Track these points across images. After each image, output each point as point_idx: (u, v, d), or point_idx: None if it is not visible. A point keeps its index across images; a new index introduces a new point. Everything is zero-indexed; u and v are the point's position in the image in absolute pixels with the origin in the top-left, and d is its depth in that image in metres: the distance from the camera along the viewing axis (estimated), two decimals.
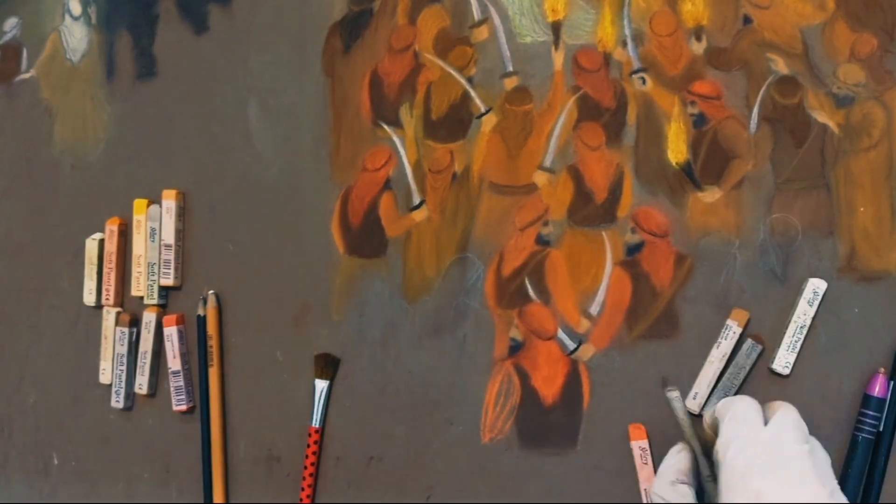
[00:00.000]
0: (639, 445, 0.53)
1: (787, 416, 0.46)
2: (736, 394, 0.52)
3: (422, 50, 0.60)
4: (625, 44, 0.56)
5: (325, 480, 0.59)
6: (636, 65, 0.55)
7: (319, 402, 0.59)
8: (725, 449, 0.45)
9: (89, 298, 0.65)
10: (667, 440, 0.52)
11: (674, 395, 0.51)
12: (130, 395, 0.64)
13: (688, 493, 0.48)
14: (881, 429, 0.49)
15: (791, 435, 0.45)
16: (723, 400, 0.49)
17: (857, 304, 0.51)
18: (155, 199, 0.64)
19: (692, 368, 0.53)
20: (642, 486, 0.52)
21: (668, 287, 0.54)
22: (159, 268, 0.63)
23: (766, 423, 0.46)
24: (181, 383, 0.62)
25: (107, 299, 0.64)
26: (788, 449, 0.44)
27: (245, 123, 0.63)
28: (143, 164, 0.65)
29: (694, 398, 0.52)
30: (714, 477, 0.48)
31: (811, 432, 0.51)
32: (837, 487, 0.46)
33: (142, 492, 0.64)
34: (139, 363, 0.63)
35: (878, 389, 0.49)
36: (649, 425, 0.53)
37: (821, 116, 0.52)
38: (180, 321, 0.63)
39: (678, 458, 0.49)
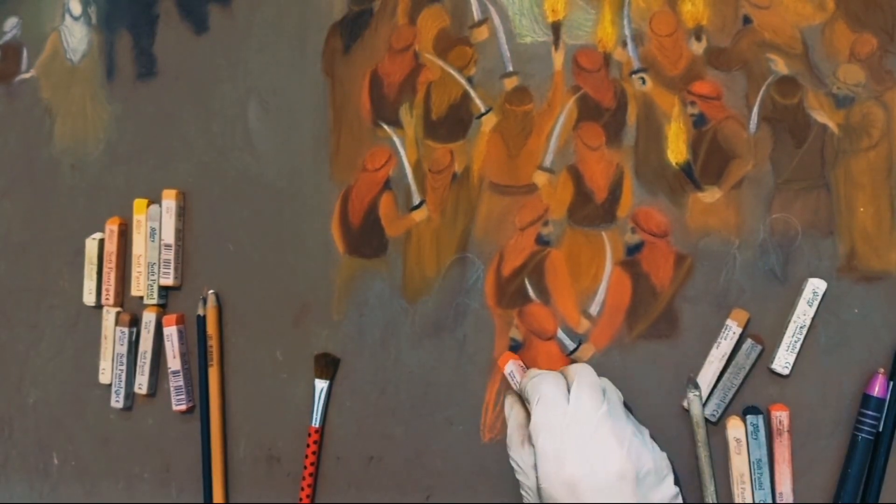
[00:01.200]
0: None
1: (581, 383, 0.49)
2: (736, 394, 0.52)
3: (422, 50, 0.60)
4: (625, 44, 0.56)
5: (325, 480, 0.59)
6: (636, 65, 0.55)
7: (319, 402, 0.59)
8: (536, 434, 0.48)
9: (89, 298, 0.65)
10: (667, 440, 0.52)
11: (695, 395, 0.51)
12: (130, 395, 0.64)
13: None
14: (881, 429, 0.50)
15: (588, 403, 0.48)
16: (531, 380, 0.50)
17: (856, 304, 0.51)
18: (155, 199, 0.64)
19: (692, 368, 0.53)
20: None
21: (668, 287, 0.54)
22: (159, 268, 0.63)
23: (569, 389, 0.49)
24: (181, 383, 0.62)
25: (107, 299, 0.64)
26: (588, 422, 0.47)
27: (245, 123, 0.63)
28: (143, 164, 0.65)
29: None
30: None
31: (811, 433, 0.51)
32: (635, 430, 0.48)
33: (142, 492, 0.64)
34: (139, 363, 0.63)
35: (877, 389, 0.49)
36: (649, 425, 0.53)
37: (821, 116, 0.52)
38: (180, 321, 0.63)
39: (515, 414, 0.52)
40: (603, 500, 0.45)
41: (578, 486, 0.45)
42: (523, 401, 0.52)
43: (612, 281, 0.55)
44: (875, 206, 0.51)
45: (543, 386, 0.49)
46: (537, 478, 0.48)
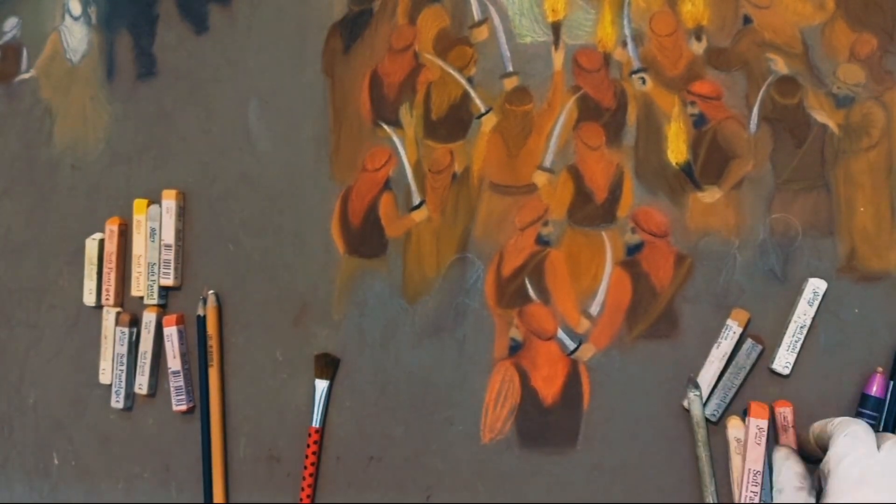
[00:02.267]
0: (756, 424, 0.51)
1: None
2: (736, 394, 0.52)
3: (422, 50, 0.60)
4: (625, 44, 0.56)
5: (325, 480, 0.59)
6: (636, 65, 0.55)
7: (319, 402, 0.59)
8: (838, 461, 0.45)
9: (89, 298, 0.65)
10: (667, 440, 0.52)
11: (696, 395, 0.51)
12: (130, 395, 0.64)
13: (812, 496, 0.48)
14: (880, 428, 0.50)
15: None
16: (840, 418, 0.48)
17: (856, 304, 0.51)
18: (155, 199, 0.64)
19: (692, 368, 0.53)
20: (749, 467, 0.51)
21: (668, 287, 0.54)
22: (159, 268, 0.63)
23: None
24: (181, 383, 0.62)
25: (107, 299, 0.64)
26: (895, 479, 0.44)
27: (245, 123, 0.63)
28: (143, 164, 0.65)
29: None
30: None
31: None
32: None
33: (142, 492, 0.64)
34: (139, 363, 0.63)
35: (876, 389, 0.49)
36: (648, 426, 0.53)
37: (821, 116, 0.52)
38: (180, 321, 0.63)
39: (791, 464, 0.49)
40: None
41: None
42: (798, 453, 0.50)
43: (612, 281, 0.55)
44: (875, 206, 0.51)
45: (855, 425, 0.47)
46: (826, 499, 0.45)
